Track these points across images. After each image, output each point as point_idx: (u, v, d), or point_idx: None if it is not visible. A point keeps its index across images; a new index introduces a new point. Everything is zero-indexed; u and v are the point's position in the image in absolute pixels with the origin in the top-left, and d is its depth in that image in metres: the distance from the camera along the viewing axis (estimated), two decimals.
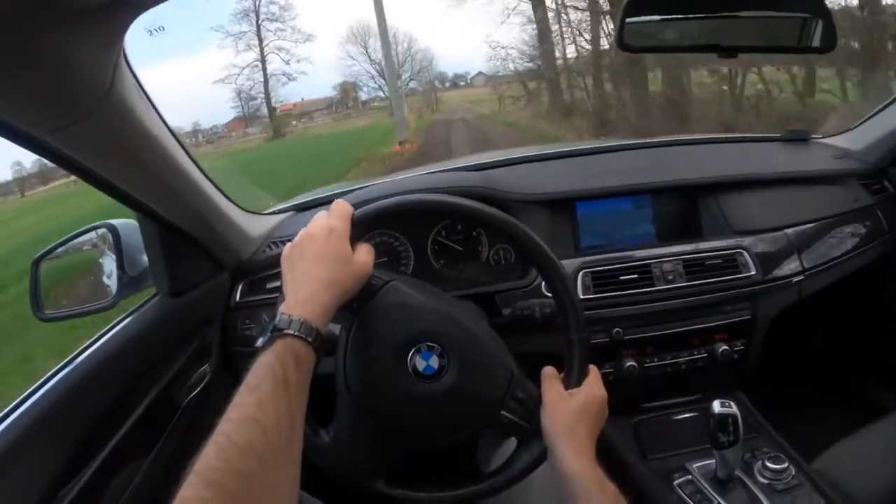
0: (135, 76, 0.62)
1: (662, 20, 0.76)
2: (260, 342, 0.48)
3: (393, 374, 0.58)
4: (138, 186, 0.71)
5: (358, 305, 0.59)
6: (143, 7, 0.52)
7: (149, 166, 0.69)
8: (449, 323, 0.60)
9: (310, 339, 0.48)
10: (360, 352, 0.60)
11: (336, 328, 0.89)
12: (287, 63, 18.93)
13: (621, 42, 0.75)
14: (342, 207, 0.59)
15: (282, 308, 0.50)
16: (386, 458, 0.63)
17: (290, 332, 0.47)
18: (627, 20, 0.74)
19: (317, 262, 0.53)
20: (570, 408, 0.58)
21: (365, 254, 0.57)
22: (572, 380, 0.61)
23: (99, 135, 0.58)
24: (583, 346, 0.61)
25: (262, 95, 19.28)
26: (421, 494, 0.62)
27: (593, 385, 0.61)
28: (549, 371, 0.62)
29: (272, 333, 0.48)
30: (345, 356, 0.60)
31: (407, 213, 0.63)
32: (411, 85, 22.13)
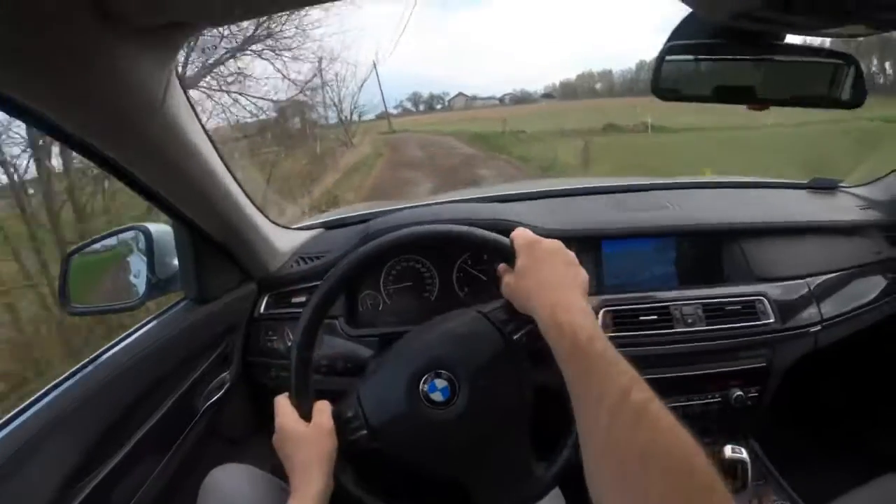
0: (184, 90, 0.64)
1: (697, 67, 0.77)
2: None
3: (411, 413, 0.61)
4: (177, 194, 0.73)
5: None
6: (198, 29, 0.54)
7: (189, 176, 0.71)
8: (447, 344, 0.64)
9: None
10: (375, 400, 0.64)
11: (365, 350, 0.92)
12: None
13: (656, 88, 0.76)
14: (279, 402, 0.65)
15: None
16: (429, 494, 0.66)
17: None
18: (665, 63, 0.75)
19: (287, 459, 0.61)
20: (516, 273, 0.61)
21: (319, 416, 0.63)
22: (511, 261, 0.63)
23: (147, 145, 0.60)
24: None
25: None
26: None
27: (526, 243, 0.62)
28: (501, 268, 0.65)
29: None
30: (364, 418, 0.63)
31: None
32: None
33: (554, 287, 0.58)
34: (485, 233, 0.65)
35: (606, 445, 0.42)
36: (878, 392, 1.18)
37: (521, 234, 0.64)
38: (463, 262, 0.99)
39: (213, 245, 0.86)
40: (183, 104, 0.63)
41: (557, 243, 0.62)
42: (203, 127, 0.71)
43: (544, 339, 0.57)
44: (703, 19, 0.64)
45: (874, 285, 1.07)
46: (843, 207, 1.15)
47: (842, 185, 1.22)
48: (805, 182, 1.23)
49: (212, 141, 0.74)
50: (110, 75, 0.47)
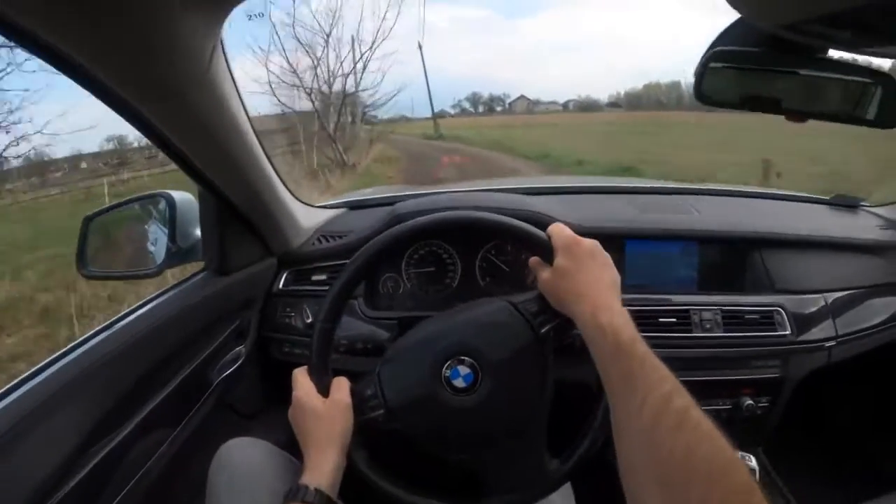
0: (226, 61, 0.64)
1: (739, 75, 0.76)
2: None
3: (432, 396, 0.61)
4: (210, 163, 0.73)
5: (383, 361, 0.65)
6: None
7: (224, 146, 0.71)
8: (473, 331, 0.64)
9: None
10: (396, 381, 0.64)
11: (383, 333, 0.91)
12: None
13: (699, 93, 0.76)
14: (297, 376, 0.65)
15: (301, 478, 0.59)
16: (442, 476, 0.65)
17: (296, 500, 0.56)
18: (708, 68, 0.74)
19: (303, 433, 0.62)
20: (555, 272, 0.61)
21: (337, 392, 0.63)
22: (546, 256, 0.63)
23: (188, 111, 0.61)
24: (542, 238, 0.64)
25: None
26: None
27: (565, 242, 0.62)
28: (533, 260, 0.65)
29: (286, 499, 0.57)
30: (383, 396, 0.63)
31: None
32: None
33: (593, 289, 0.58)
34: (524, 225, 0.65)
35: (649, 447, 0.43)
36: (888, 411, 1.19)
37: (559, 232, 0.64)
38: (487, 252, 0.99)
39: (239, 217, 0.86)
40: (226, 76, 0.64)
41: (595, 244, 0.63)
42: (242, 100, 0.71)
43: (572, 336, 0.58)
44: (750, 27, 0.64)
45: (888, 306, 1.06)
46: (863, 226, 1.15)
47: (863, 203, 1.22)
48: (827, 198, 1.23)
49: (248, 115, 0.74)
50: (156, 37, 0.47)
